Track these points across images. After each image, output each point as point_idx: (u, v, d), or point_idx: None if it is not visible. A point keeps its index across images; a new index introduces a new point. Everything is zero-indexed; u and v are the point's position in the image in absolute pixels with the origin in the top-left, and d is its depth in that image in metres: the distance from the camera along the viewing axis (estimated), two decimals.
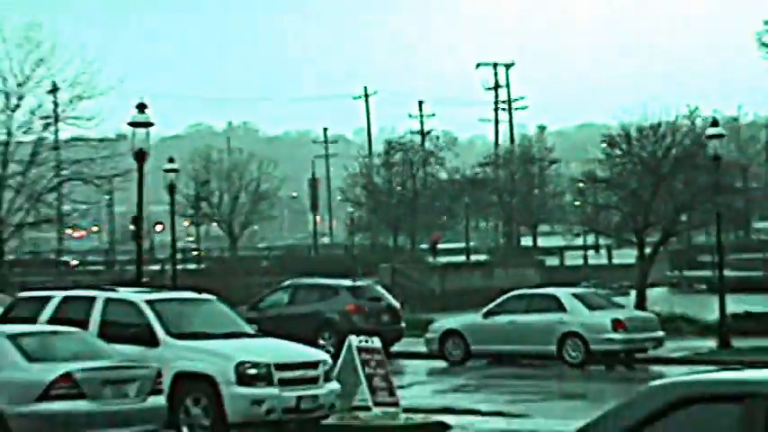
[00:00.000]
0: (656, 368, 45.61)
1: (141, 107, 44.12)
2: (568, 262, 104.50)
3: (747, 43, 47.42)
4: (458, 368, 48.74)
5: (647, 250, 68.88)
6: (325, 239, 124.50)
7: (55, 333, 30.27)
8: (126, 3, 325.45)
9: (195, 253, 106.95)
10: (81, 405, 27.45)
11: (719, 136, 58.90)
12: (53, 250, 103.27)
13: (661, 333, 51.24)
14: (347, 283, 58.42)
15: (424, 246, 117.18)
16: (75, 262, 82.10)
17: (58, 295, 34.76)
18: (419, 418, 33.33)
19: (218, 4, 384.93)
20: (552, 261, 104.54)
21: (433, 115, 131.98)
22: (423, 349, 51.84)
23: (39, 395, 27.28)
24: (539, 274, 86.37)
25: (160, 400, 28.83)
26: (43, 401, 27.23)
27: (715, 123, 62.59)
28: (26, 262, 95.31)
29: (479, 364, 49.22)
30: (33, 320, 32.40)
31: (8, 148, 72.17)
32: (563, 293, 52.32)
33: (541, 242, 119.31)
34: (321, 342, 39.11)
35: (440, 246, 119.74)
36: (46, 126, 74.15)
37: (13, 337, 29.01)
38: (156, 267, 71.72)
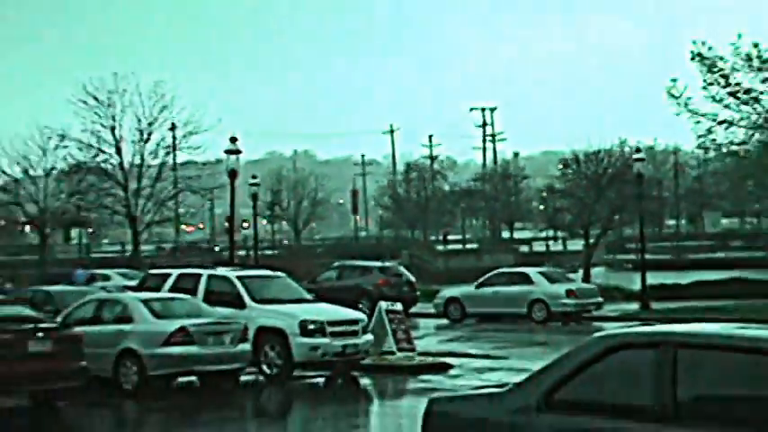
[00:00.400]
0: (596, 324, 45.64)
1: (233, 140, 44.49)
2: (535, 249, 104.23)
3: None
4: (457, 325, 48.65)
5: (591, 240, 69.13)
6: (363, 233, 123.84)
7: (173, 299, 30.46)
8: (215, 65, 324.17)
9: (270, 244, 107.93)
10: (192, 349, 27.73)
11: (641, 159, 59.07)
12: (173, 241, 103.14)
13: (600, 299, 51.21)
14: (378, 264, 58.61)
15: (433, 237, 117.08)
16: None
17: (176, 272, 35.08)
18: (429, 359, 33.15)
19: (282, 56, 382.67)
20: (524, 248, 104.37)
21: (440, 144, 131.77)
22: (432, 311, 51.81)
23: (163, 341, 27.60)
24: (514, 258, 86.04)
25: (246, 346, 29.11)
26: (166, 346, 27.61)
27: (638, 150, 62.78)
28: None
29: (472, 321, 49.11)
30: (159, 290, 32.63)
31: (141, 168, 72.54)
32: (531, 271, 52.38)
33: (516, 235, 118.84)
34: (359, 306, 39.19)
35: (445, 237, 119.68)
36: (167, 153, 74.34)
37: (144, 301, 29.41)
38: (243, 253, 71.68)
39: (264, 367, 30.36)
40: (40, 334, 25.81)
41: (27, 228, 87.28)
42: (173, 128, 73.13)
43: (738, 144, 52.77)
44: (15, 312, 27.90)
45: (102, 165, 73.41)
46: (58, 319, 29.38)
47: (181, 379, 28.68)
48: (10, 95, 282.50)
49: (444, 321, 49.84)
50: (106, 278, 57.10)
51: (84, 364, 25.88)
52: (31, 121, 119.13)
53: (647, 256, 57.50)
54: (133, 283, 44.39)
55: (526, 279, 50.82)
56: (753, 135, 52.16)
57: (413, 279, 57.02)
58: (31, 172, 75.98)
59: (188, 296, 31.14)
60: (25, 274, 69.23)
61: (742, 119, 50.83)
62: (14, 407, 25.37)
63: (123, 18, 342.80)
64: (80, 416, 25.68)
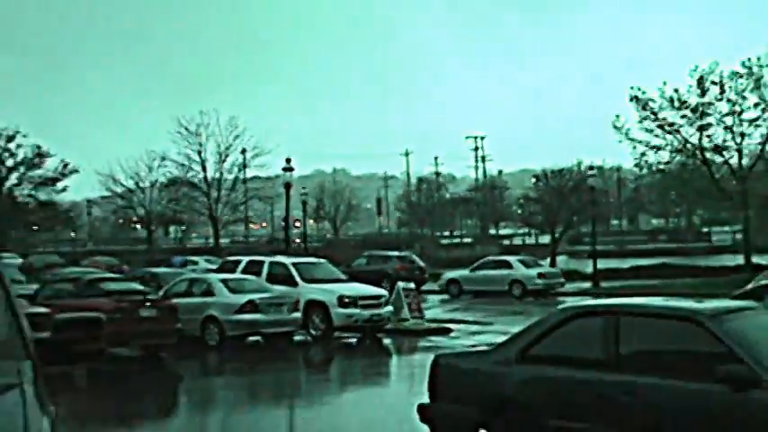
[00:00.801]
0: (560, 298, 45.50)
1: (288, 161, 44.40)
2: (515, 242, 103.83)
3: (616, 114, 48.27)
4: (456, 299, 48.27)
5: (556, 236, 69.02)
6: (385, 230, 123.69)
7: (244, 279, 30.29)
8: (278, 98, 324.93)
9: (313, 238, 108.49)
10: (258, 316, 27.71)
11: (593, 175, 59.10)
12: (243, 235, 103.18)
13: (563, 279, 50.94)
14: (396, 253, 58.35)
15: (437, 233, 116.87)
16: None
17: (246, 259, 34.98)
18: (434, 325, 33.02)
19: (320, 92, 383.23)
20: (506, 242, 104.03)
21: (443, 164, 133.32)
22: (437, 288, 51.58)
23: (236, 310, 27.61)
24: (499, 249, 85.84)
25: (298, 314, 29.06)
26: (239, 314, 27.65)
27: (591, 168, 62.94)
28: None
29: (467, 297, 48.94)
30: (233, 272, 32.58)
31: (220, 182, 72.77)
32: (512, 259, 52.01)
33: (501, 232, 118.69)
34: (382, 285, 39.07)
35: (447, 233, 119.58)
36: (239, 170, 74.59)
37: (223, 280, 29.40)
38: (295, 245, 71.88)
39: (311, 330, 30.20)
40: (148, 303, 26.04)
41: (138, 225, 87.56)
42: (243, 151, 73.42)
43: (664, 164, 52.82)
44: (130, 287, 28.15)
45: (192, 179, 73.69)
46: (161, 292, 29.50)
47: (250, 338, 28.70)
48: (125, 126, 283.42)
49: (446, 297, 49.60)
50: (195, 263, 57.14)
51: (179, 326, 26.11)
52: (140, 145, 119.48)
53: (598, 247, 57.30)
54: (214, 266, 44.41)
55: (508, 265, 50.54)
56: (675, 157, 52.30)
57: (423, 265, 56.76)
58: (141, 184, 76.47)
59: (255, 277, 31.03)
60: (136, 259, 69.48)
61: (667, 145, 50.95)
62: (130, 356, 25.60)
63: (206, 62, 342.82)
64: (177, 363, 25.80)
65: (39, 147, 75.83)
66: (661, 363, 10.08)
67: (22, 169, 76.32)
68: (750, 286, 22.00)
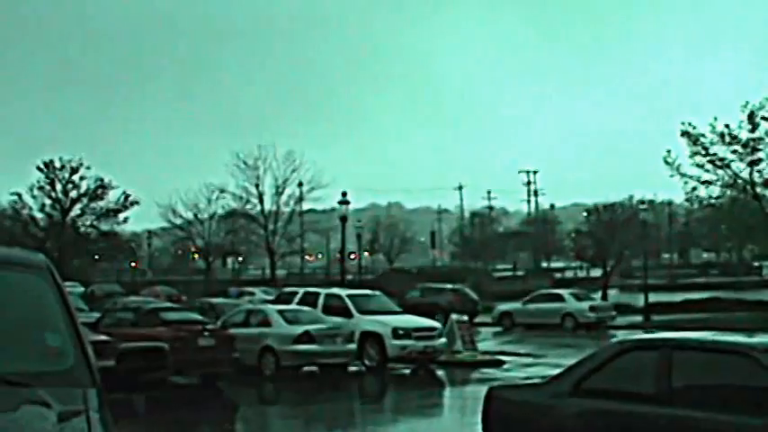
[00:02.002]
0: (611, 332, 45.11)
1: (344, 194, 44.61)
2: (566, 276, 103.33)
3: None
4: (508, 332, 48.30)
5: (607, 269, 68.49)
6: (438, 263, 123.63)
7: (300, 310, 30.48)
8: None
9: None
10: (313, 347, 27.82)
11: (645, 209, 58.83)
12: (299, 268, 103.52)
13: (614, 312, 50.68)
14: (450, 286, 58.27)
15: (490, 267, 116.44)
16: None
17: (302, 290, 35.08)
18: (487, 357, 33.05)
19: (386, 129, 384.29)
20: (558, 275, 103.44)
21: (495, 198, 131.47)
22: (489, 321, 51.50)
23: (292, 341, 27.75)
24: (550, 282, 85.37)
25: (353, 345, 29.10)
26: (295, 344, 27.73)
27: (642, 203, 62.73)
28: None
29: (520, 329, 48.80)
30: (289, 303, 32.75)
31: (277, 214, 73.23)
32: (564, 292, 51.92)
33: (552, 265, 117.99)
34: (436, 317, 38.97)
35: (499, 267, 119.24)
36: (296, 203, 75.13)
37: (279, 311, 29.55)
38: (350, 277, 72.03)
39: (366, 361, 30.24)
40: (206, 333, 26.18)
41: (196, 256, 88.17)
42: (300, 184, 73.92)
43: (715, 198, 52.42)
44: (189, 317, 28.30)
45: (249, 211, 74.21)
46: (219, 322, 29.64)
47: (305, 368, 28.72)
48: (185, 159, 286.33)
49: (499, 329, 49.43)
50: (252, 294, 57.35)
51: (236, 356, 26.19)
52: (199, 178, 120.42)
53: (649, 281, 56.87)
54: (271, 297, 44.55)
55: (560, 298, 50.38)
56: (725, 192, 51.91)
57: (476, 297, 56.62)
58: (200, 216, 77.10)
59: (310, 308, 31.15)
60: (194, 289, 69.86)
61: (717, 180, 50.51)
62: (188, 383, 25.71)
63: (264, 96, 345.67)
64: (234, 391, 25.88)
65: (101, 179, 76.78)
66: (714, 397, 9.94)
67: (85, 201, 77.24)
68: None
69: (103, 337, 21.27)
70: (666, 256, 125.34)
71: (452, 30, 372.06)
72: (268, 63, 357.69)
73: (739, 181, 50.31)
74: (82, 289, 59.03)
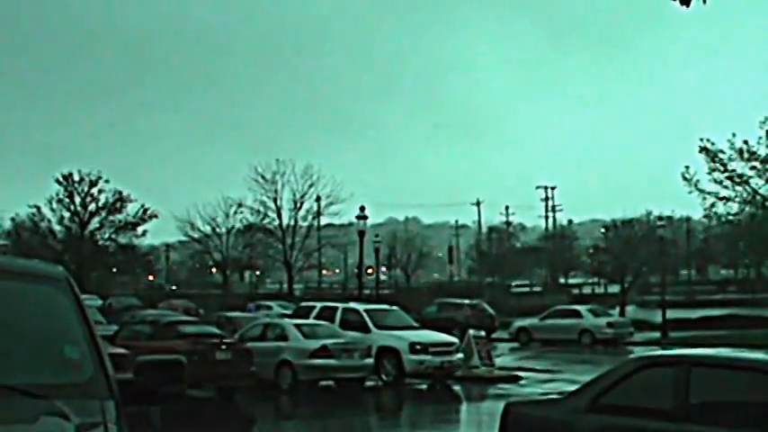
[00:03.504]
0: (629, 348, 44.97)
1: (362, 209, 44.64)
2: (584, 292, 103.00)
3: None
4: (525, 347, 48.20)
5: (625, 285, 68.33)
6: (456, 279, 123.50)
7: (318, 324, 30.37)
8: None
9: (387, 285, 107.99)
10: (330, 361, 27.73)
11: (663, 226, 58.66)
12: (316, 281, 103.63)
13: (632, 329, 50.62)
14: (467, 301, 58.12)
15: (508, 282, 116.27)
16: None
17: (319, 305, 35.09)
18: (505, 372, 32.97)
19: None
20: (575, 291, 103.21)
21: (513, 213, 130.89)
22: (507, 336, 51.42)
23: (309, 355, 27.70)
24: (568, 298, 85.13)
25: (370, 360, 29.01)
26: (312, 358, 27.67)
27: (660, 219, 62.47)
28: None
29: (537, 345, 48.71)
30: (307, 317, 32.71)
31: (295, 229, 73.35)
32: (581, 308, 51.86)
33: (570, 281, 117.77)
34: (453, 332, 38.85)
35: (517, 282, 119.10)
36: (314, 218, 75.24)
37: (296, 326, 29.50)
38: (368, 292, 72.01)
39: (383, 376, 30.17)
40: (224, 347, 26.20)
41: (214, 270, 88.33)
42: (318, 199, 74.02)
43: (734, 215, 52.40)
44: (207, 330, 28.34)
45: (267, 226, 74.36)
46: (236, 336, 29.67)
47: (322, 382, 28.71)
48: (203, 172, 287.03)
49: (516, 345, 49.34)
50: (269, 308, 57.41)
51: (254, 369, 26.19)
52: (217, 192, 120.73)
53: (667, 298, 56.68)
54: (288, 311, 44.58)
55: (577, 314, 50.31)
56: (744, 209, 51.92)
57: (493, 313, 56.51)
58: (218, 230, 77.27)
59: (328, 323, 31.10)
60: (211, 303, 69.95)
61: (736, 196, 50.50)
62: (205, 397, 25.74)
63: (282, 111, 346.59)
64: (250, 405, 25.90)
65: (120, 192, 77.04)
66: (732, 414, 9.92)
67: (103, 213, 77.48)
68: None
69: (121, 350, 21.33)
70: (684, 272, 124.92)
71: (471, 45, 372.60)
72: (288, 77, 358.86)
73: (758, 197, 50.25)
74: (100, 302, 59.11)
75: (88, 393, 5.55)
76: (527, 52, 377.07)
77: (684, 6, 7.90)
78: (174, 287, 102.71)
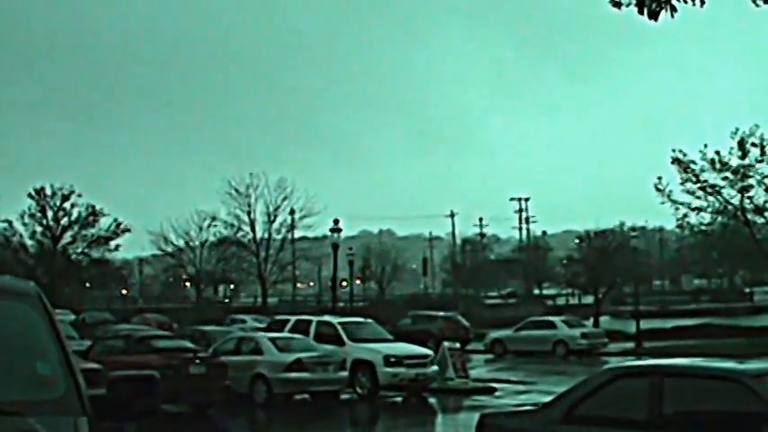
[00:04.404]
0: (603, 358, 45.12)
1: (335, 222, 44.85)
2: (558, 303, 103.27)
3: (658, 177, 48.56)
4: (500, 359, 48.28)
5: (599, 296, 68.55)
6: (430, 291, 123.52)
7: (292, 338, 30.36)
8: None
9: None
10: (305, 375, 27.69)
11: (636, 236, 58.98)
12: (290, 295, 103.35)
13: (606, 339, 50.77)
14: (442, 313, 58.17)
15: (482, 294, 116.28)
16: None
17: (294, 318, 35.03)
18: (479, 384, 32.97)
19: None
20: (550, 302, 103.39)
21: (487, 225, 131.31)
22: (481, 348, 51.49)
23: (284, 368, 27.63)
24: (542, 309, 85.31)
25: (344, 373, 28.94)
26: (287, 372, 27.63)
27: (634, 230, 62.89)
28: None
29: (511, 357, 48.74)
30: (281, 331, 32.63)
31: (269, 242, 73.16)
32: (555, 319, 52.01)
33: (544, 292, 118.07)
34: (428, 344, 38.79)
35: (491, 294, 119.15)
36: (287, 231, 75.06)
37: (271, 339, 29.46)
38: (342, 304, 71.96)
39: (358, 389, 30.13)
40: (198, 361, 26.12)
41: (188, 284, 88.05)
42: (292, 212, 73.80)
43: (706, 225, 52.72)
44: (181, 345, 28.25)
45: (241, 239, 74.15)
46: (210, 350, 29.58)
47: (297, 396, 28.66)
48: (176, 186, 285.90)
49: (491, 356, 49.41)
50: (243, 321, 57.23)
51: (228, 383, 26.14)
52: (191, 205, 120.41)
53: (641, 308, 56.93)
54: (263, 325, 44.46)
55: (551, 325, 50.44)
56: (716, 219, 52.25)
57: (467, 325, 56.50)
58: (191, 243, 77.02)
59: (302, 336, 31.08)
60: (185, 317, 69.68)
61: (708, 207, 50.77)
62: (180, 412, 25.62)
63: (255, 124, 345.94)
64: (225, 420, 25.82)
65: (93, 206, 76.59)
66: (705, 423, 9.99)
67: (76, 228, 76.99)
68: None
69: (94, 366, 21.21)
70: (658, 282, 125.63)
71: (445, 57, 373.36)
72: (261, 90, 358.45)
73: (730, 207, 50.54)
74: (73, 317, 58.87)
75: (61, 410, 5.52)
76: (501, 64, 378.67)
77: (653, 20, 7.97)
78: (141, 301, 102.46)
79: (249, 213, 73.04)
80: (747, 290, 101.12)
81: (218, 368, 26.24)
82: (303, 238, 78.52)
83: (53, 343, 5.85)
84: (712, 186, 49.88)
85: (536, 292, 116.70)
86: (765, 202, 49.93)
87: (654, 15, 8.03)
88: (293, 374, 27.63)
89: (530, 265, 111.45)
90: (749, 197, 49.87)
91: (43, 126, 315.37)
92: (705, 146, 49.57)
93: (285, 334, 31.54)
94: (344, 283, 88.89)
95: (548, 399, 12.11)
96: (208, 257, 78.21)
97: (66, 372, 5.76)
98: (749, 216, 50.68)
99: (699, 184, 49.91)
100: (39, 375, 5.76)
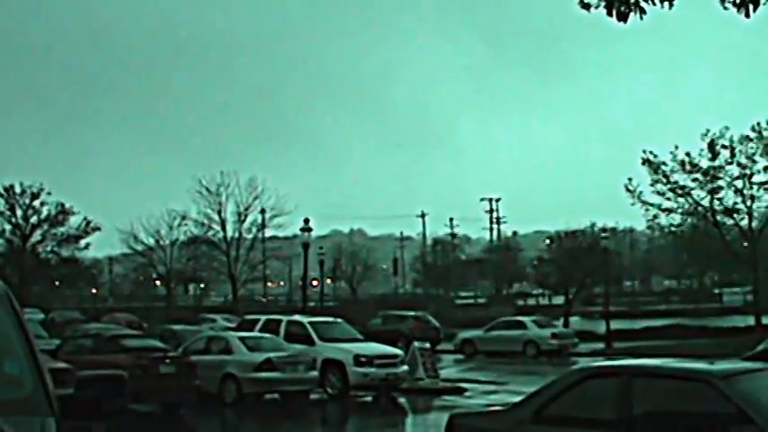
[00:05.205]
0: (574, 358, 45.18)
1: (306, 221, 44.61)
2: (528, 303, 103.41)
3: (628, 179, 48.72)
4: (470, 359, 48.26)
5: (569, 296, 68.80)
6: (401, 290, 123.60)
7: (262, 337, 30.23)
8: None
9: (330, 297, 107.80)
10: (275, 374, 27.59)
11: (606, 237, 59.22)
12: (262, 294, 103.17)
13: (576, 340, 50.81)
14: (412, 313, 58.12)
15: (453, 294, 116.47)
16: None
17: (264, 318, 34.95)
18: (449, 384, 33.00)
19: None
20: (520, 302, 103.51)
21: (458, 225, 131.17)
22: (452, 348, 51.46)
23: (254, 368, 27.54)
24: (513, 310, 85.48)
25: (314, 373, 28.83)
26: (257, 372, 27.56)
27: (604, 230, 63.05)
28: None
29: (482, 357, 48.72)
30: (251, 330, 32.55)
31: (239, 241, 72.95)
32: (526, 319, 51.98)
33: (515, 292, 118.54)
34: (398, 344, 38.75)
35: (462, 294, 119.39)
36: (258, 230, 74.84)
37: (241, 339, 29.35)
38: (312, 304, 71.84)
39: (328, 389, 30.06)
40: (168, 360, 26.00)
41: (158, 283, 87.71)
42: (263, 211, 73.62)
43: (676, 226, 53.06)
44: (150, 344, 28.10)
45: (212, 238, 73.93)
46: (180, 349, 29.47)
47: (267, 395, 28.61)
48: (147, 184, 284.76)
49: (461, 356, 49.42)
50: (213, 321, 57.04)
51: (198, 383, 26.02)
52: (161, 204, 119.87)
53: (611, 308, 57.16)
54: (233, 324, 44.33)
55: (522, 325, 50.46)
56: (686, 220, 52.63)
57: (438, 325, 56.47)
58: (161, 242, 76.70)
59: (272, 335, 30.99)
60: (155, 316, 69.43)
61: (679, 208, 51.13)
62: (149, 411, 25.52)
63: (226, 122, 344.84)
64: (195, 419, 25.74)
65: (62, 204, 76.33)
66: (674, 424, 10.03)
67: (45, 226, 76.73)
68: (761, 347, 21.91)
69: (63, 365, 21.09)
70: (628, 283, 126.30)
71: (416, 57, 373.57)
72: (232, 89, 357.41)
73: (700, 209, 50.89)
74: (42, 316, 58.54)
75: (28, 410, 5.49)
76: (472, 64, 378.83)
77: (622, 22, 8.02)
78: (111, 301, 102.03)
79: (220, 212, 72.84)
80: (716, 291, 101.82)
81: (188, 368, 26.13)
82: (274, 238, 78.38)
83: (20, 342, 5.82)
84: (682, 188, 50.21)
85: (507, 292, 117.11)
86: (735, 203, 50.32)
87: (623, 17, 8.09)
88: (263, 374, 27.54)
89: (500, 265, 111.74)
90: (719, 199, 50.25)
91: (12, 123, 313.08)
92: (676, 147, 49.96)
93: (255, 333, 31.40)
94: (315, 283, 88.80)
95: (517, 399, 12.13)
96: (178, 256, 77.94)
97: (34, 371, 5.73)
98: (719, 218, 51.05)
99: (669, 186, 50.23)
100: (6, 375, 5.73)
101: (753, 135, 48.70)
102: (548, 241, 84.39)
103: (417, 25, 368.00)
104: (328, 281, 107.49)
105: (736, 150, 48.91)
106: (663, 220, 51.94)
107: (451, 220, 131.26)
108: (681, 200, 50.66)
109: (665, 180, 50.17)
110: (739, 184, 49.51)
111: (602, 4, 8.35)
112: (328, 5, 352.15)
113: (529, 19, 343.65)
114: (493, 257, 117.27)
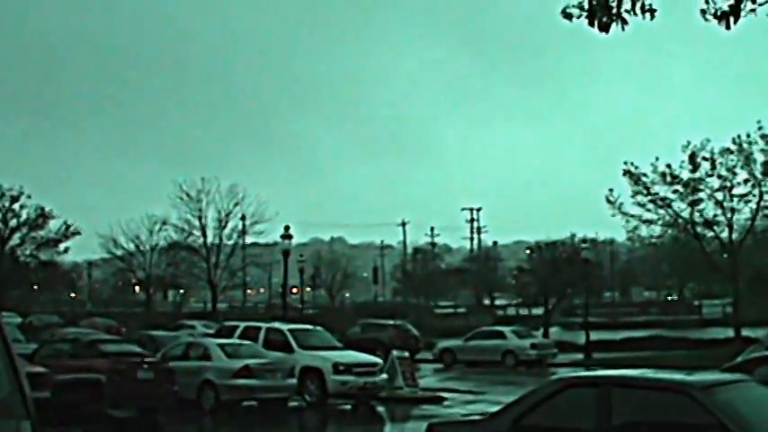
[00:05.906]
0: (553, 369, 45.18)
1: (286, 228, 44.60)
2: (508, 313, 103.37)
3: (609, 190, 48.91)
4: (449, 369, 48.15)
5: (549, 307, 68.89)
6: (380, 299, 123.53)
7: (241, 344, 30.19)
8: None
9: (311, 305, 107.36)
10: (253, 381, 27.56)
11: (586, 248, 59.35)
12: (240, 301, 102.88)
13: (556, 350, 50.83)
14: (391, 322, 58.07)
15: (432, 303, 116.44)
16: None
17: (243, 324, 34.88)
18: (428, 393, 32.94)
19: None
20: (500, 312, 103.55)
21: (438, 234, 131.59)
22: (431, 357, 51.41)
23: (232, 375, 27.51)
24: (492, 319, 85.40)
25: (293, 380, 28.81)
26: (235, 378, 27.51)
27: (584, 241, 63.24)
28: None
29: (461, 366, 48.67)
30: (230, 337, 32.47)
31: (219, 247, 72.99)
32: (505, 329, 51.95)
33: (495, 303, 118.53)
34: (377, 353, 38.68)
35: (443, 304, 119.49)
36: (238, 236, 74.91)
37: (220, 345, 29.30)
38: (292, 312, 71.64)
39: (306, 396, 30.01)
40: (146, 366, 25.92)
41: (137, 288, 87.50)
42: (243, 218, 73.85)
43: (656, 238, 53.24)
44: (129, 349, 28.03)
45: (192, 244, 73.90)
46: (158, 355, 29.38)
47: (245, 402, 28.53)
48: (127, 189, 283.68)
49: (440, 366, 49.35)
50: (192, 327, 56.92)
51: (176, 389, 25.95)
52: (141, 209, 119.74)
53: (590, 319, 57.19)
54: (211, 331, 44.24)
55: (501, 335, 50.43)
56: (666, 231, 52.76)
57: (417, 334, 56.48)
58: (141, 247, 76.66)
59: (251, 342, 30.94)
60: (133, 321, 69.18)
61: (659, 219, 51.27)
62: (126, 417, 25.39)
63: (207, 129, 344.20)
64: (172, 426, 25.64)
65: (42, 208, 76.03)
66: None
67: (25, 230, 76.41)
68: (740, 359, 21.98)
69: (40, 369, 20.97)
70: (608, 294, 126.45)
71: (397, 64, 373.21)
72: (213, 94, 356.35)
73: (680, 220, 51.05)
74: (20, 319, 58.30)
75: (3, 413, 5.46)
76: (454, 72, 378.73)
77: (604, 32, 8.04)
78: (90, 305, 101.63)
79: (200, 218, 72.98)
80: (696, 302, 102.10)
81: (166, 373, 26.06)
82: (254, 245, 78.47)
83: None
84: (663, 199, 50.37)
85: (486, 302, 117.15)
86: (715, 215, 50.49)
87: (605, 27, 8.12)
88: (241, 381, 27.50)
89: (480, 275, 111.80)
90: (699, 210, 50.41)
91: None
92: (656, 159, 50.11)
93: (234, 340, 31.36)
94: (295, 291, 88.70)
95: (496, 408, 12.12)
96: (158, 262, 77.92)
97: (10, 374, 5.70)
98: (699, 229, 51.21)
99: (650, 197, 50.38)
100: None
101: (733, 147, 48.88)
102: (528, 251, 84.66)
103: (400, 34, 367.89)
104: (308, 289, 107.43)
105: (717, 162, 49.09)
106: (643, 231, 52.13)
107: (432, 229, 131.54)
108: (661, 211, 50.82)
109: (645, 191, 50.32)
110: (720, 196, 49.69)
111: (584, 14, 8.38)
112: (311, 12, 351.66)
113: (512, 29, 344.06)
114: (473, 267, 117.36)
